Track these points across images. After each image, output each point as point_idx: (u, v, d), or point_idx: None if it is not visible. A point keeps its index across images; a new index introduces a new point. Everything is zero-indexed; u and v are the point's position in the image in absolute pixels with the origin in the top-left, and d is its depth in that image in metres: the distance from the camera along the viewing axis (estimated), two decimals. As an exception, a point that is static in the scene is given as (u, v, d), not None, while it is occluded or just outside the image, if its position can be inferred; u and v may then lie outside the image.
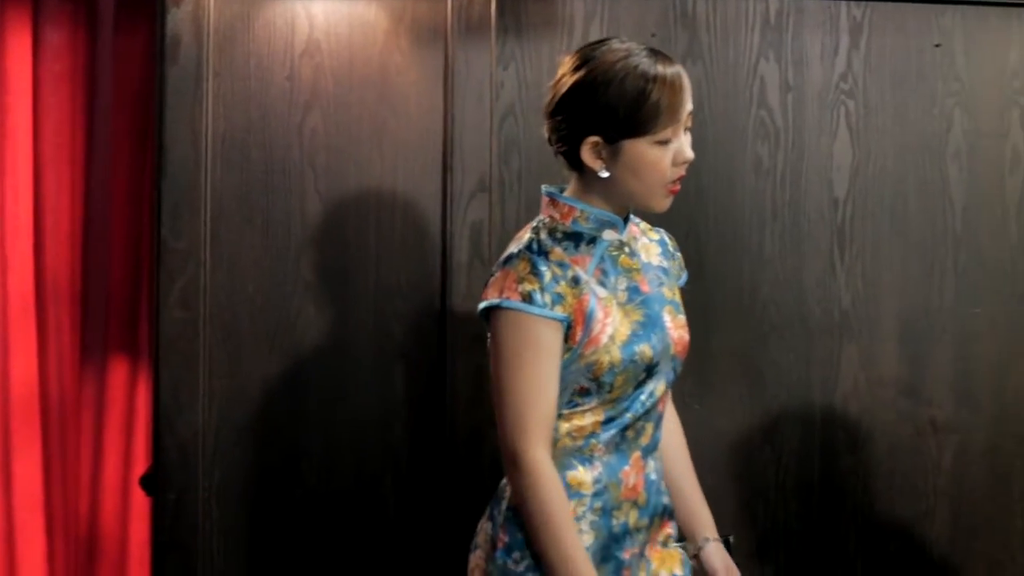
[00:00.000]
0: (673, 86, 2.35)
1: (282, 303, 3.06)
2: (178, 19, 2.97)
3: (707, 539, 2.59)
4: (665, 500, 2.55)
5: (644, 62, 2.36)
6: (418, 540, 3.12)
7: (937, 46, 3.30)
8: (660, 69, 2.35)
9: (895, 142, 3.29)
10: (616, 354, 2.38)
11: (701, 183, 3.16)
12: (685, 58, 3.16)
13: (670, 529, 2.57)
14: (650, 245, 2.56)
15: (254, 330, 3.05)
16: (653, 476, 2.51)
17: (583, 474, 2.42)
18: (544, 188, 2.49)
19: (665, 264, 2.56)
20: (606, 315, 2.39)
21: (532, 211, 3.05)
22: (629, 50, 2.38)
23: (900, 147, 3.29)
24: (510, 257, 2.41)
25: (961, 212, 3.31)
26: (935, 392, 3.31)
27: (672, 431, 2.66)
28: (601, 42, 2.43)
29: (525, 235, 2.46)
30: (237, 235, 3.04)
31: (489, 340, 2.40)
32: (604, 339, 2.38)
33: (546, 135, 2.46)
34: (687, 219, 3.15)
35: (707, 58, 3.20)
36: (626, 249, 2.48)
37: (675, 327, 2.50)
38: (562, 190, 2.49)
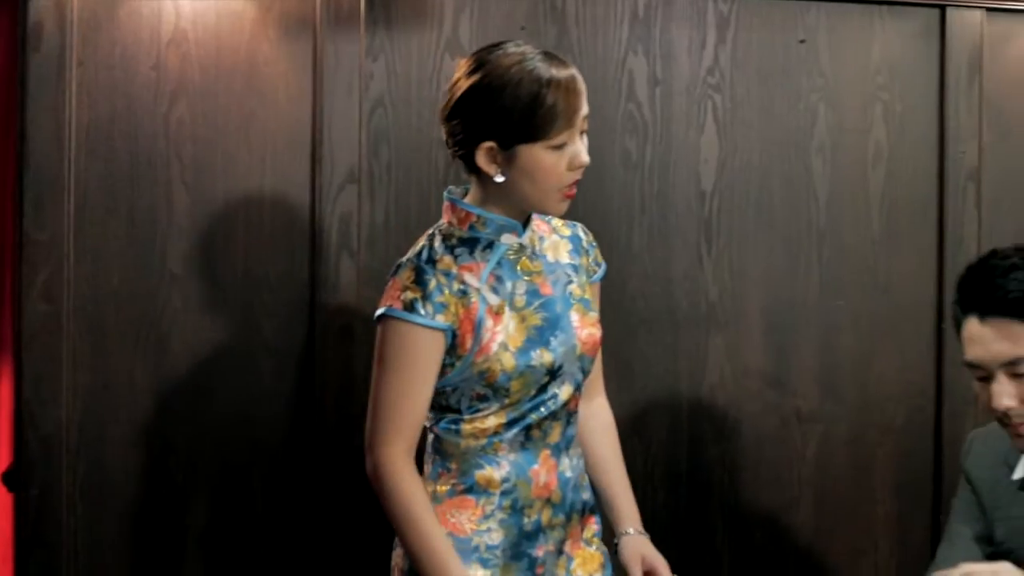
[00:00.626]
0: (568, 90, 2.40)
1: (148, 295, 3.09)
2: (40, 6, 2.98)
3: (622, 533, 2.67)
4: (586, 496, 2.64)
5: (539, 66, 2.40)
6: (287, 535, 3.18)
7: (802, 42, 3.43)
8: (554, 72, 2.40)
9: (761, 136, 3.41)
10: (509, 361, 2.45)
11: (570, 176, 3.26)
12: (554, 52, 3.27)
13: (596, 525, 2.67)
14: (560, 243, 2.62)
15: (119, 323, 3.08)
16: (568, 474, 2.58)
17: (491, 473, 2.51)
18: (445, 193, 2.55)
19: (576, 261, 2.62)
20: (496, 323, 2.46)
21: (401, 203, 3.16)
22: (523, 54, 2.42)
23: (766, 141, 3.41)
24: (399, 266, 2.49)
25: (825, 205, 3.45)
26: (800, 383, 3.44)
27: (600, 427, 2.75)
28: (496, 45, 2.47)
29: (420, 242, 2.53)
30: (101, 227, 3.06)
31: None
32: (494, 347, 2.45)
33: (444, 138, 2.51)
34: (556, 212, 3.25)
35: (576, 52, 3.29)
36: (527, 252, 2.54)
37: (584, 325, 2.56)
38: (466, 192, 2.54)
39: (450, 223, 2.53)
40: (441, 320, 2.43)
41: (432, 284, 2.43)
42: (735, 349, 3.41)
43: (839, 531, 3.48)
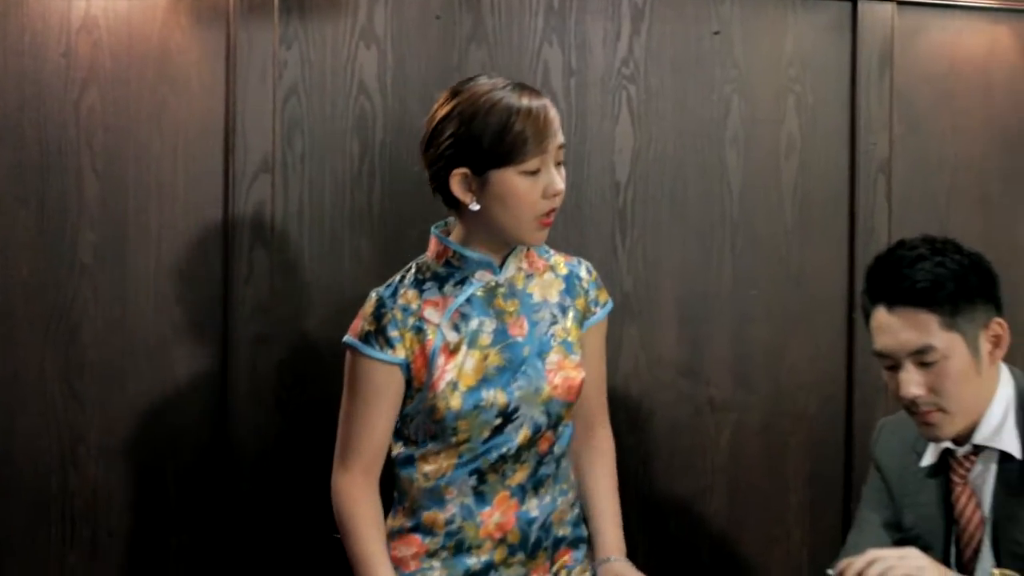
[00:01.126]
0: (537, 117, 2.50)
1: (58, 286, 3.08)
2: (-54, -7, 2.97)
3: (601, 561, 2.73)
4: (564, 532, 2.71)
5: (508, 95, 2.51)
6: (200, 532, 3.19)
7: (716, 33, 3.48)
8: (525, 101, 2.50)
9: (675, 127, 3.45)
10: (456, 401, 2.53)
11: (485, 166, 3.29)
12: (470, 42, 3.29)
13: (570, 559, 2.73)
14: (553, 282, 2.69)
15: (28, 313, 3.06)
16: (534, 513, 2.65)
17: (436, 514, 2.61)
18: (433, 228, 2.64)
19: (567, 302, 2.69)
20: (447, 361, 2.54)
21: (316, 192, 3.18)
22: (495, 84, 2.53)
23: (680, 132, 3.45)
24: (370, 295, 2.60)
25: (738, 197, 3.49)
26: (713, 372, 3.49)
27: (596, 459, 2.82)
28: (470, 78, 2.58)
29: (399, 273, 2.63)
30: (10, 216, 3.05)
31: None
32: (442, 385, 2.54)
33: (425, 174, 2.60)
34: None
35: (491, 42, 3.31)
36: (501, 291, 2.61)
37: (559, 369, 2.63)
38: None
39: (429, 257, 2.62)
40: (392, 354, 2.54)
41: (387, 318, 2.54)
42: (649, 339, 3.44)
43: (752, 519, 3.54)
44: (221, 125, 3.17)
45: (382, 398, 2.57)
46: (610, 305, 2.78)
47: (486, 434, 2.57)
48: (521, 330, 2.61)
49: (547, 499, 2.67)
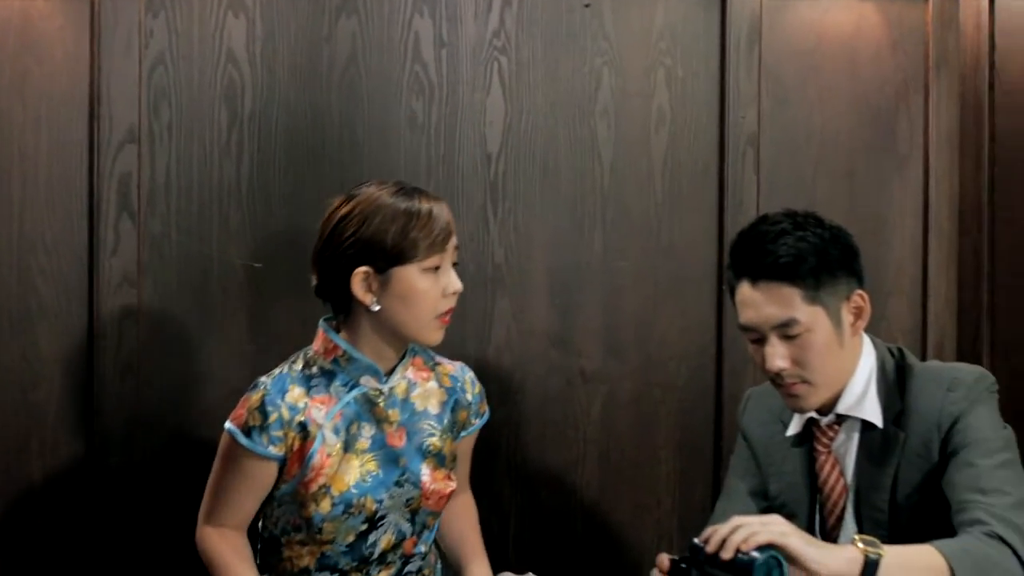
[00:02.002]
0: (439, 217, 2.55)
1: (-84, 258, 3.02)
2: None
3: None
4: None
5: (406, 197, 2.55)
6: (65, 506, 3.15)
7: (587, 6, 3.47)
8: (425, 203, 2.55)
9: (547, 99, 3.45)
10: (326, 504, 2.54)
11: (356, 138, 3.27)
12: (340, 12, 3.27)
13: None
14: (435, 392, 2.71)
15: None
16: None
17: None
18: (322, 320, 2.62)
19: (446, 414, 2.71)
20: (323, 464, 2.55)
21: (183, 163, 3.14)
22: (389, 190, 2.56)
23: (551, 104, 3.45)
24: (256, 385, 2.58)
25: (609, 169, 3.50)
26: (584, 343, 3.49)
27: (459, 518, 2.88)
28: (363, 183, 2.62)
29: (287, 363, 2.61)
30: None
31: None
32: (314, 487, 2.54)
33: (313, 281, 2.59)
34: (340, 173, 3.25)
35: (362, 12, 3.29)
36: (383, 398, 2.61)
37: (433, 481, 2.65)
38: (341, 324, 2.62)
39: (316, 351, 2.60)
40: (273, 451, 2.54)
41: (273, 417, 2.53)
42: (520, 310, 3.44)
43: (623, 488, 3.54)
44: (86, 94, 3.13)
45: (252, 486, 2.59)
46: (487, 416, 2.84)
47: (351, 538, 2.60)
48: (399, 440, 2.63)
49: None
